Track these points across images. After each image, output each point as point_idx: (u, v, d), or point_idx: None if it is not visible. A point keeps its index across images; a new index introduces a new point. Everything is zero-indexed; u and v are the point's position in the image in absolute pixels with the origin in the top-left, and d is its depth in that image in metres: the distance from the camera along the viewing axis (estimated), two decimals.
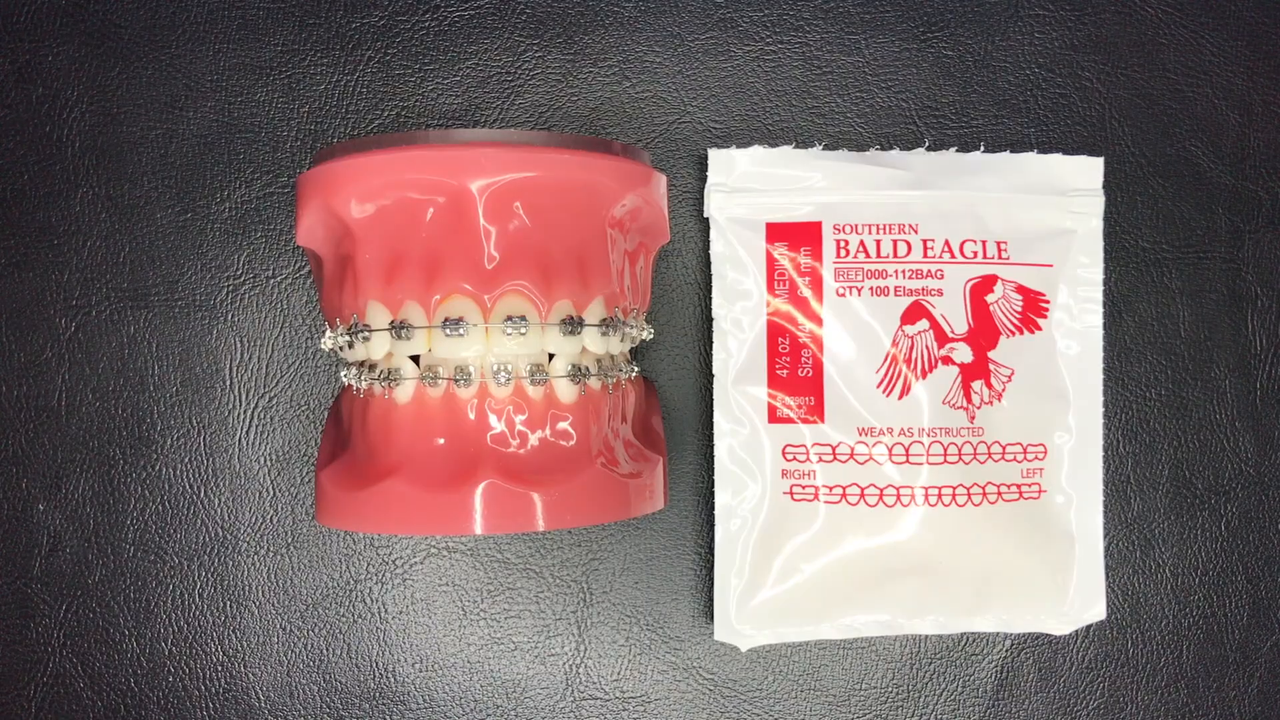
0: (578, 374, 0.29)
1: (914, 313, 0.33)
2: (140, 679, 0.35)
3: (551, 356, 0.29)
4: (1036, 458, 0.34)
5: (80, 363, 0.35)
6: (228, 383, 0.35)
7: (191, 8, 0.35)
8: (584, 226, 0.29)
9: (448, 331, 0.28)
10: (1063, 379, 0.34)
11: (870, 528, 0.33)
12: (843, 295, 0.33)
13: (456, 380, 0.28)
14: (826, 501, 0.33)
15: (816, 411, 0.33)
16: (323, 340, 0.31)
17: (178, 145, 0.35)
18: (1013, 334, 0.34)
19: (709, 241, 0.34)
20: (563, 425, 0.29)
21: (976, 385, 0.33)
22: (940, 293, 0.33)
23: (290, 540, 0.35)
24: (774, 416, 0.34)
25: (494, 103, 0.35)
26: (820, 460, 0.33)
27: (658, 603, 0.35)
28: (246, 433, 0.35)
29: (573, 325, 0.29)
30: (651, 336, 0.33)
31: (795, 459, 0.34)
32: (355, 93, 0.35)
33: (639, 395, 0.33)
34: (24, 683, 0.35)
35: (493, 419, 0.28)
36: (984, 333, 0.34)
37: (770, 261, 0.34)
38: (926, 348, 0.33)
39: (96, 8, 0.35)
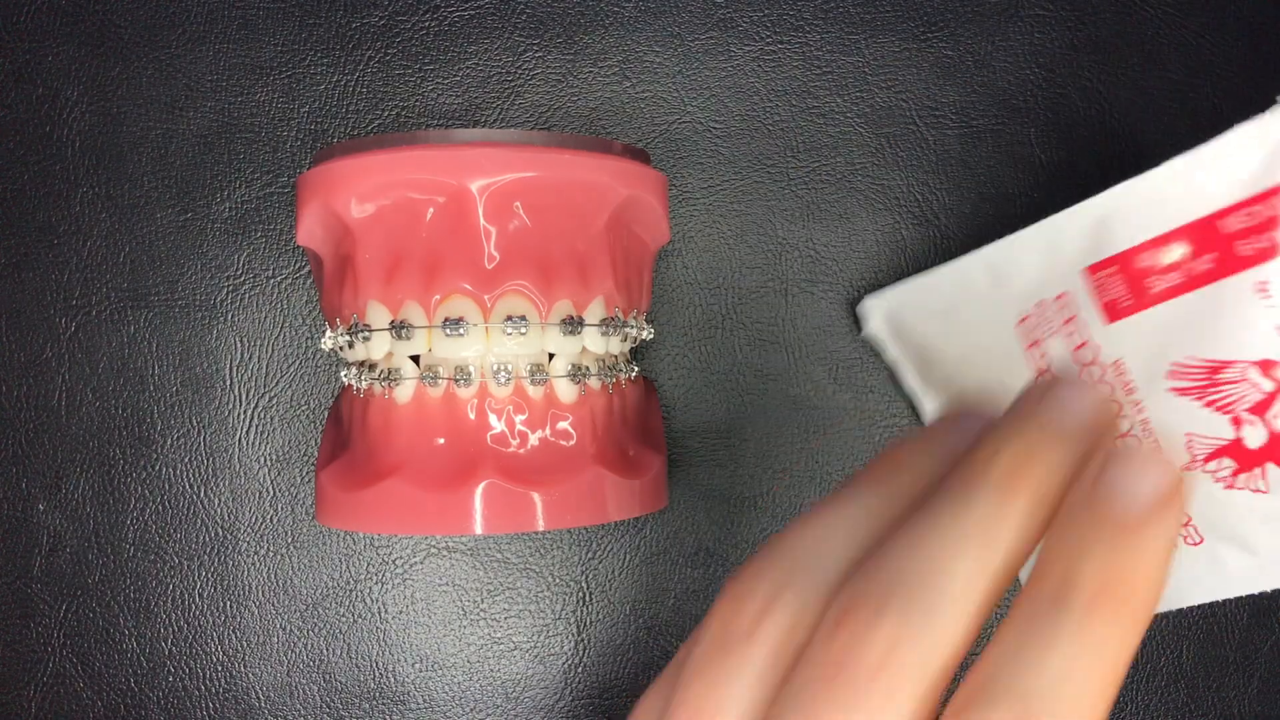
0: (578, 374, 0.29)
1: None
2: (140, 679, 0.35)
3: (551, 356, 0.29)
4: None
5: (80, 363, 0.35)
6: (228, 383, 0.35)
7: (191, 8, 0.35)
8: (584, 226, 0.29)
9: (448, 331, 0.28)
10: None
11: None
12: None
13: (456, 380, 0.28)
14: None
15: None
16: (323, 340, 0.31)
17: (178, 145, 0.35)
18: None
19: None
20: (563, 425, 0.29)
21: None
22: None
23: (290, 540, 0.35)
24: None
25: (494, 103, 0.35)
26: None
27: (658, 603, 0.35)
28: (246, 433, 0.35)
29: (573, 325, 0.29)
30: (651, 336, 0.33)
31: None
32: (355, 93, 0.35)
33: (639, 395, 0.33)
34: (24, 683, 0.35)
35: (493, 419, 0.28)
36: None
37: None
38: None
39: (96, 8, 0.35)
